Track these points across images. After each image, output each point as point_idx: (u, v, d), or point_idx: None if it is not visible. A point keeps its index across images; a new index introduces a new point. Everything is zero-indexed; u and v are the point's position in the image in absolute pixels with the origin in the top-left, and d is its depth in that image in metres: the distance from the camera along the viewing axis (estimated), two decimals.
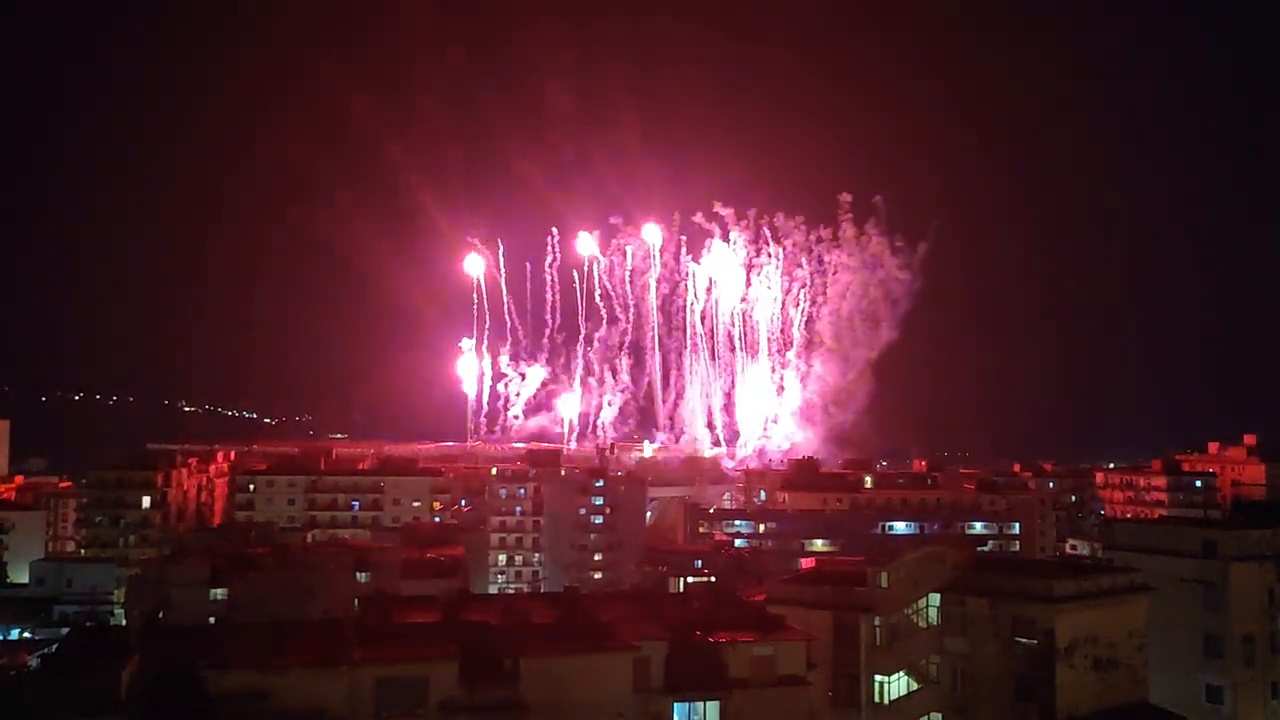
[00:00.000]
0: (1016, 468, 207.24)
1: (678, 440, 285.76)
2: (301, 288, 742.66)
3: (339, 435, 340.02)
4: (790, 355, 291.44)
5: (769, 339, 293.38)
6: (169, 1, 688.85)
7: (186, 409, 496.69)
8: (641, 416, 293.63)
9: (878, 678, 59.22)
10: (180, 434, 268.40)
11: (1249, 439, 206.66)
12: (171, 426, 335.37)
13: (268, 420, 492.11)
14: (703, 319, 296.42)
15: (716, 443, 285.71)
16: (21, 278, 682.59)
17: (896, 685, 59.70)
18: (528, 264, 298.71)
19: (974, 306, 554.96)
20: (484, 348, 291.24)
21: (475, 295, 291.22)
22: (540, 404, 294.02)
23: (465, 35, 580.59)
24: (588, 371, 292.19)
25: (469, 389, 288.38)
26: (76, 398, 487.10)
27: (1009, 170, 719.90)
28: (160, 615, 79.51)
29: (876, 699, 59.13)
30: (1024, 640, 57.28)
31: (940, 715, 60.30)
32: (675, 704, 49.43)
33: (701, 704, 49.83)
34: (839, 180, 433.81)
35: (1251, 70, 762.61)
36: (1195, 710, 65.96)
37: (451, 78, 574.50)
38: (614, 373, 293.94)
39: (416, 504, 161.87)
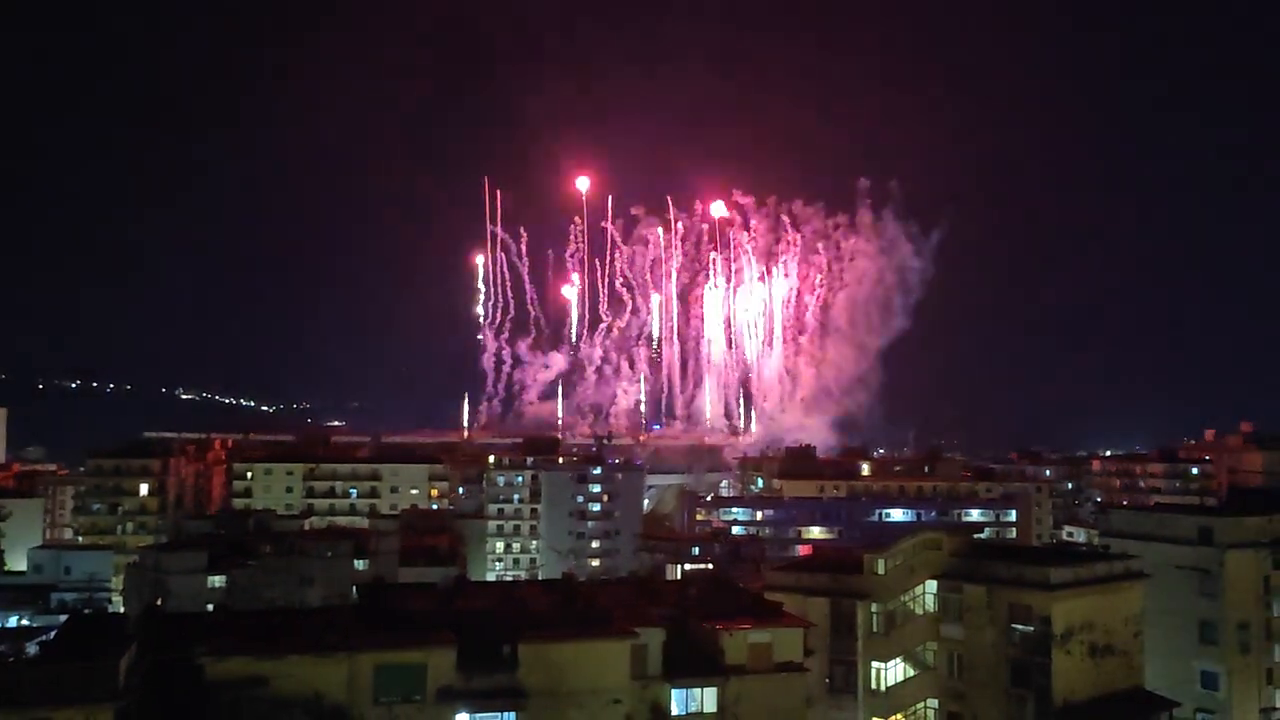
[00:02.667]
0: (1014, 455, 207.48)
1: (695, 428, 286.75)
2: (304, 277, 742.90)
3: (337, 423, 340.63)
4: (804, 342, 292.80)
5: (784, 326, 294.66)
6: None
7: (184, 396, 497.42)
8: (658, 405, 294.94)
9: (874, 664, 59.41)
10: (178, 422, 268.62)
11: (1246, 426, 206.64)
12: (169, 414, 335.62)
13: (265, 408, 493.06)
14: (721, 307, 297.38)
15: (733, 431, 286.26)
16: (19, 267, 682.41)
17: (893, 672, 59.87)
18: (549, 252, 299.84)
19: (980, 294, 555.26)
20: (502, 337, 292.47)
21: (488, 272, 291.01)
22: (554, 391, 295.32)
23: (481, 37, 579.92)
24: (605, 360, 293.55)
25: (482, 374, 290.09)
26: (74, 385, 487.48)
27: (1021, 159, 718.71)
28: (158, 602, 79.58)
29: (873, 685, 59.35)
30: (1020, 627, 57.38)
31: (936, 702, 60.45)
32: (673, 690, 49.47)
33: (699, 690, 49.88)
34: (858, 166, 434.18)
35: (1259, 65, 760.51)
36: (1190, 696, 66.28)
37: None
38: (631, 362, 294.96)
39: (414, 491, 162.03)
